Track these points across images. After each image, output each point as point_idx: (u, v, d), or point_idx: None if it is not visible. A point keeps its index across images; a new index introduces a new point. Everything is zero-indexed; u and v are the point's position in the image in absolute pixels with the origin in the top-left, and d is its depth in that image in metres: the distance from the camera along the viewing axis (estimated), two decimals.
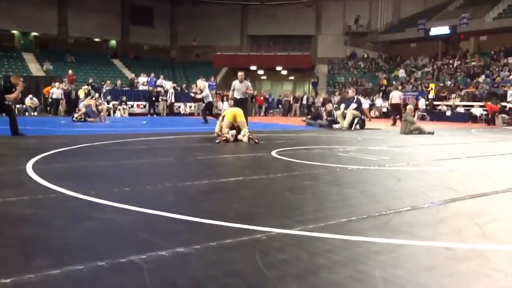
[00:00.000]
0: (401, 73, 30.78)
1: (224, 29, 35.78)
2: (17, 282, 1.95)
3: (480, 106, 22.89)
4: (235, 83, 11.56)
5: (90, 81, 23.62)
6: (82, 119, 15.12)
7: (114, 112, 21.25)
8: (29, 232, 2.77)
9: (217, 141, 8.86)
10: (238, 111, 9.47)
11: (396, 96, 18.71)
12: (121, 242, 2.57)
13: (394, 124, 17.80)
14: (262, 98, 27.97)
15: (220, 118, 9.56)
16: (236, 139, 9.05)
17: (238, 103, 11.30)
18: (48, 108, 21.19)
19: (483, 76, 26.45)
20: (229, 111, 9.59)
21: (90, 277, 2.06)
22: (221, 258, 2.35)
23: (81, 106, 15.86)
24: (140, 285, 1.97)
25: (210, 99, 16.83)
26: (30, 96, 20.64)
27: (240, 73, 11.70)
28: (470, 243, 2.72)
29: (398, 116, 18.14)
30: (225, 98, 23.83)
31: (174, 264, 2.24)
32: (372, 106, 26.01)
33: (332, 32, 35.77)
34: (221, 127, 9.22)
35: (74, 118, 15.23)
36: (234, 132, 9.07)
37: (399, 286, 2.04)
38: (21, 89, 10.09)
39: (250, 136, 8.95)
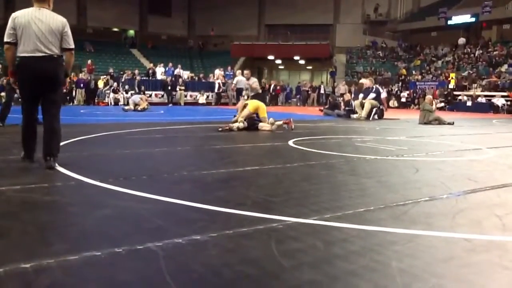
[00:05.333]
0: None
1: (241, 18, 35.65)
2: (36, 266, 1.99)
3: (503, 96, 22.44)
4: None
5: (111, 71, 23.84)
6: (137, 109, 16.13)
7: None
8: (48, 218, 2.82)
9: (220, 129, 8.80)
10: (262, 106, 9.50)
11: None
12: (138, 229, 2.60)
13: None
14: (278, 88, 27.82)
15: (242, 105, 9.65)
16: (256, 129, 9.08)
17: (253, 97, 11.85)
18: (68, 97, 21.45)
19: (505, 66, 25.89)
20: (253, 102, 9.58)
21: (108, 263, 2.09)
22: (237, 246, 2.36)
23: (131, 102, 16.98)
24: (157, 271, 1.99)
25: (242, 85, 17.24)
26: None
27: (245, 71, 12.90)
28: (490, 234, 2.68)
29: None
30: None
31: (190, 252, 2.25)
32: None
33: (350, 21, 35.28)
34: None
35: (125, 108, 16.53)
36: (242, 125, 9.07)
37: (416, 276, 2.01)
38: None
39: (285, 121, 9.51)
